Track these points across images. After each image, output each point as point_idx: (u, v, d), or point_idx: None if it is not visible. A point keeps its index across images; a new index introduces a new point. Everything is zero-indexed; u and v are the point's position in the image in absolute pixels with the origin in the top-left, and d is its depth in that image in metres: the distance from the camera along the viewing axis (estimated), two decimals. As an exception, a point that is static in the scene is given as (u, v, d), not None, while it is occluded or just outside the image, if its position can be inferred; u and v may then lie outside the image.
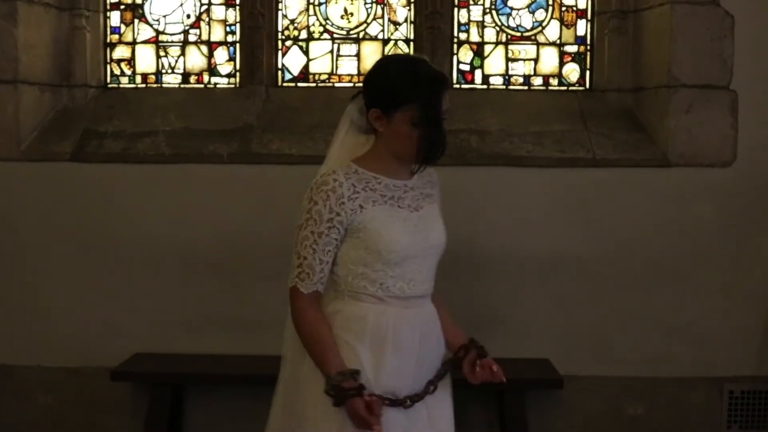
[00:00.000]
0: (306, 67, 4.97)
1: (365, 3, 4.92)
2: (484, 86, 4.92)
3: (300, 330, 2.58)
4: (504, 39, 4.93)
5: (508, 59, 4.94)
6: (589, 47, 4.92)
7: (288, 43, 4.96)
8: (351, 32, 4.95)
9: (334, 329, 2.56)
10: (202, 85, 4.98)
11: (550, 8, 4.91)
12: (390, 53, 4.89)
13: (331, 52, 4.96)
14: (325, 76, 4.96)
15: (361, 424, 2.42)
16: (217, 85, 4.98)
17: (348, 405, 2.43)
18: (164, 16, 4.97)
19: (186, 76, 4.99)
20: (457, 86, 4.90)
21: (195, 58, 4.99)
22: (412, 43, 4.91)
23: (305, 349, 2.57)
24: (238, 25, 4.94)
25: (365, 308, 2.56)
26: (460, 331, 2.72)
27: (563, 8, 4.91)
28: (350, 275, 2.57)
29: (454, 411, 2.74)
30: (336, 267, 2.59)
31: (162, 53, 4.99)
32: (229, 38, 4.97)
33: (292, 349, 2.68)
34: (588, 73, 4.92)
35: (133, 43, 4.99)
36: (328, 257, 2.55)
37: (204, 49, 4.98)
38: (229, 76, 4.98)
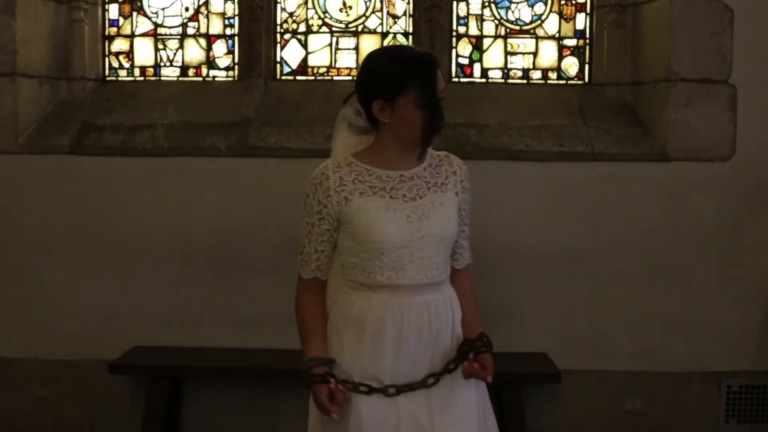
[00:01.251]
0: (305, 60, 4.96)
1: (364, -4, 4.94)
2: (483, 80, 4.92)
3: (296, 313, 2.74)
4: (503, 32, 4.93)
5: (507, 53, 4.93)
6: (588, 41, 4.92)
7: (286, 36, 4.96)
8: (350, 25, 4.94)
9: (332, 317, 2.69)
10: (200, 78, 4.98)
11: (549, 2, 4.90)
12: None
13: (330, 45, 4.95)
14: (324, 70, 4.96)
15: (322, 409, 2.56)
16: (216, 78, 4.97)
17: (313, 390, 2.58)
18: (162, 9, 4.96)
19: (184, 69, 4.99)
20: (456, 80, 4.90)
21: (193, 51, 4.98)
22: (410, 37, 4.90)
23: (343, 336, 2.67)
24: (236, 18, 4.93)
25: (354, 296, 2.64)
26: (476, 325, 2.74)
27: (562, 2, 4.91)
28: (346, 264, 2.65)
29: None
30: (338, 256, 2.69)
31: (160, 46, 4.99)
32: (228, 31, 4.96)
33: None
34: (587, 66, 4.92)
35: (132, 36, 4.99)
36: (323, 246, 2.65)
37: (202, 42, 4.98)
38: (227, 69, 4.97)
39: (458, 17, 4.91)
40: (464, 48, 4.93)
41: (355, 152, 2.66)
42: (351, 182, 2.60)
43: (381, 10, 4.92)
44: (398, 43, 4.84)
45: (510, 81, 4.93)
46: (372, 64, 2.64)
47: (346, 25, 4.94)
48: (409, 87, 2.53)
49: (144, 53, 5.00)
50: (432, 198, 2.64)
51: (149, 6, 4.97)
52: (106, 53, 5.00)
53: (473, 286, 2.85)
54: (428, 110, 2.55)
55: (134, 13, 4.97)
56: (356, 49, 4.94)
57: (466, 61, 4.92)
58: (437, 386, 2.61)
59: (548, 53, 4.94)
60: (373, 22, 4.93)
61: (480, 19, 4.92)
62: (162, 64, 4.99)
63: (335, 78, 4.94)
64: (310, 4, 4.93)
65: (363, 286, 2.63)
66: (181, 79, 4.98)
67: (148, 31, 4.99)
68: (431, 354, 2.63)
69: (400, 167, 2.63)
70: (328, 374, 2.57)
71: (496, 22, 4.92)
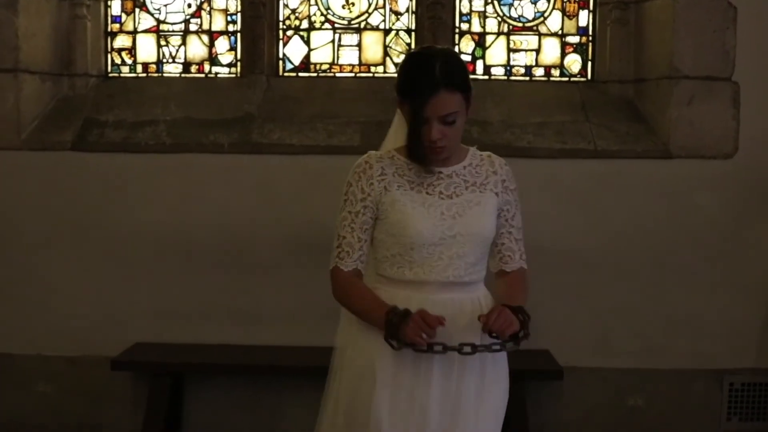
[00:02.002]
0: (307, 56, 4.96)
1: (367, -7, 4.93)
2: (486, 77, 4.91)
3: (345, 301, 2.65)
4: (506, 29, 4.92)
5: (509, 50, 4.93)
6: (590, 38, 4.91)
7: (289, 32, 4.95)
8: (352, 22, 4.94)
9: None
10: (203, 75, 4.98)
11: (552, -1, 4.91)
12: (391, 43, 4.89)
13: (333, 42, 4.95)
14: (326, 66, 4.95)
15: (424, 328, 2.40)
16: (218, 75, 4.97)
17: (409, 325, 2.41)
18: (165, 6, 4.96)
19: (187, 65, 4.99)
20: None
21: (196, 48, 4.98)
22: (413, 34, 4.90)
23: (359, 320, 2.62)
24: (239, 14, 4.93)
25: (381, 292, 2.62)
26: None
27: (565, -1, 4.91)
28: (378, 258, 2.66)
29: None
30: (372, 250, 2.68)
31: (163, 42, 4.98)
32: (230, 28, 4.96)
33: (343, 336, 2.75)
34: (590, 64, 4.92)
35: (134, 33, 4.99)
36: (365, 236, 2.63)
37: (205, 38, 4.97)
38: (230, 65, 4.97)
39: (461, 14, 4.91)
40: (467, 45, 4.92)
41: (398, 147, 2.67)
42: (391, 174, 2.61)
43: (384, 6, 4.91)
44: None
45: (512, 78, 4.92)
46: (404, 57, 2.66)
47: (349, 21, 4.94)
48: (406, 99, 2.54)
49: (146, 50, 5.00)
50: (469, 197, 2.62)
51: (152, 2, 4.96)
52: (109, 49, 4.99)
53: (523, 287, 2.71)
54: (412, 131, 2.54)
55: (137, 10, 4.97)
56: (359, 45, 4.93)
57: (468, 58, 4.91)
58: (468, 392, 2.56)
59: (551, 50, 4.93)
60: (375, 19, 4.93)
61: (483, 15, 4.91)
62: (164, 60, 4.99)
63: (338, 75, 4.93)
64: (312, 1, 4.92)
65: (391, 281, 2.63)
66: (183, 75, 4.98)
67: (150, 28, 4.98)
68: (457, 355, 2.52)
69: (438, 164, 2.63)
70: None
71: (499, 19, 4.91)
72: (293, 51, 4.96)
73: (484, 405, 2.61)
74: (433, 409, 2.56)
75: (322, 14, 4.94)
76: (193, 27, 4.97)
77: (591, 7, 4.90)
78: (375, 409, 2.55)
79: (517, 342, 2.49)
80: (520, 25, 4.92)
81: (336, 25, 4.94)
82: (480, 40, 4.92)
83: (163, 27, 4.98)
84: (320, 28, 4.94)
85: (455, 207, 2.60)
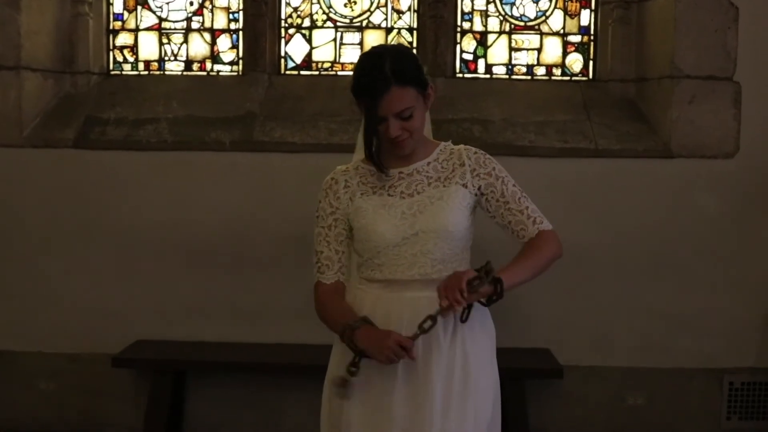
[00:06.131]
0: (309, 55, 4.96)
1: (369, -9, 4.93)
2: (487, 76, 4.92)
3: (323, 317, 2.65)
4: (507, 28, 4.92)
5: (511, 49, 4.93)
6: (592, 37, 4.91)
7: (291, 30, 4.96)
8: (354, 20, 4.94)
9: None
10: (204, 73, 4.98)
11: (554, -2, 4.92)
12: (393, 42, 4.89)
13: (334, 40, 4.95)
14: (328, 65, 4.96)
15: (394, 355, 2.41)
16: (220, 73, 4.97)
17: (377, 344, 2.43)
18: (167, 3, 4.96)
19: (189, 63, 4.99)
20: (460, 75, 4.91)
21: (198, 46, 4.99)
22: (415, 32, 4.90)
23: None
24: (241, 12, 4.94)
25: (356, 291, 2.67)
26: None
27: (567, -2, 4.92)
28: (358, 263, 2.68)
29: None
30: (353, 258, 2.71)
31: (165, 40, 4.99)
32: (232, 26, 4.96)
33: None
34: (591, 63, 4.92)
35: (136, 30, 4.99)
36: (342, 247, 2.66)
37: (207, 36, 4.98)
38: (231, 63, 4.98)
39: (463, 13, 4.91)
40: (468, 44, 4.93)
41: (364, 157, 2.66)
42: (356, 184, 2.64)
43: (385, 5, 4.91)
44: (401, 43, 4.83)
45: (514, 77, 4.93)
46: (357, 60, 2.64)
47: (351, 20, 4.94)
48: (360, 99, 2.54)
49: (148, 47, 5.00)
50: (431, 193, 2.60)
51: (154, 0, 4.97)
52: (111, 47, 5.00)
53: (538, 247, 2.73)
54: (368, 128, 2.55)
55: (139, 8, 4.97)
56: (360, 44, 4.94)
57: (470, 57, 4.92)
58: (452, 387, 2.54)
59: (552, 49, 4.93)
60: (377, 18, 4.93)
61: (484, 14, 4.92)
62: (166, 58, 4.99)
63: (339, 73, 4.93)
64: (314, -1, 4.95)
65: (365, 282, 2.65)
66: (185, 73, 4.98)
67: (152, 26, 4.99)
68: (426, 357, 2.52)
69: (399, 164, 2.63)
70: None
71: (501, 18, 4.92)
72: (295, 49, 4.96)
73: (449, 424, 2.53)
74: (398, 411, 2.53)
75: (324, 12, 4.94)
76: (195, 25, 4.98)
77: (593, 7, 4.90)
78: (346, 412, 2.56)
79: (484, 301, 2.54)
80: (522, 24, 4.93)
81: (338, 24, 4.94)
82: (482, 39, 4.92)
83: (165, 25, 4.98)
84: (322, 27, 4.95)
85: (416, 205, 2.58)
